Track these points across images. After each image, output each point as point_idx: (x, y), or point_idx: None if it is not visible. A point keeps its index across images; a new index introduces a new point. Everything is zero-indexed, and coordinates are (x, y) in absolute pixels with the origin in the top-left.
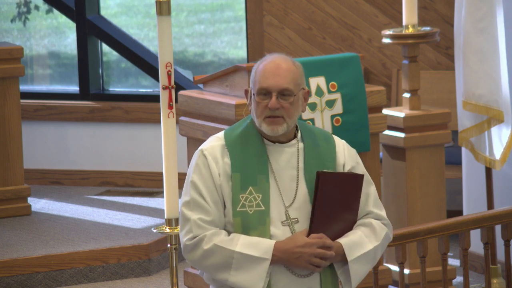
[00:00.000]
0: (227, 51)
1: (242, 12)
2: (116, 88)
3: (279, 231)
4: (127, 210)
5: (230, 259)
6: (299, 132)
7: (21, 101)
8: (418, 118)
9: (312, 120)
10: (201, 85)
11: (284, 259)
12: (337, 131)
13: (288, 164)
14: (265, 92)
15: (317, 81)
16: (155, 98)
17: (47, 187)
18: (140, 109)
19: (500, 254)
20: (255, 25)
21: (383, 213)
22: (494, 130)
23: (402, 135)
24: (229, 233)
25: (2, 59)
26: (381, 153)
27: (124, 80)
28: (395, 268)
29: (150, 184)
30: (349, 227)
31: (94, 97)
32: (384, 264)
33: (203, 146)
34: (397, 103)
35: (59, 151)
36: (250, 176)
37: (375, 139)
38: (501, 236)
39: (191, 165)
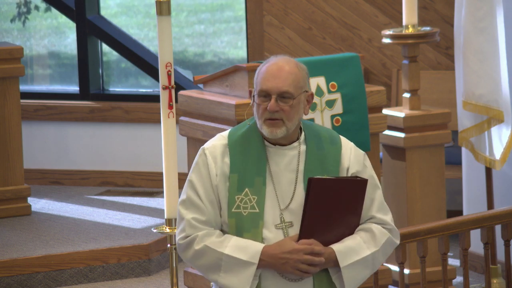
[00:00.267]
0: (227, 51)
1: (242, 12)
2: (116, 88)
3: (271, 235)
4: (127, 210)
5: (219, 261)
6: (303, 134)
7: (21, 101)
8: (418, 118)
9: (312, 120)
10: (201, 85)
11: (271, 264)
12: (337, 131)
13: (287, 167)
14: (265, 94)
15: (317, 81)
16: (155, 98)
17: (47, 187)
18: (140, 109)
19: (500, 254)
20: (255, 25)
21: (387, 218)
22: (494, 130)
23: (402, 135)
24: (225, 233)
25: (2, 59)
26: (381, 153)
27: (124, 80)
28: (395, 268)
29: (150, 184)
30: (351, 231)
31: (94, 97)
32: (384, 264)
33: (206, 144)
34: (397, 103)
35: (59, 151)
36: (248, 177)
37: (375, 139)
38: (501, 236)
39: (193, 163)
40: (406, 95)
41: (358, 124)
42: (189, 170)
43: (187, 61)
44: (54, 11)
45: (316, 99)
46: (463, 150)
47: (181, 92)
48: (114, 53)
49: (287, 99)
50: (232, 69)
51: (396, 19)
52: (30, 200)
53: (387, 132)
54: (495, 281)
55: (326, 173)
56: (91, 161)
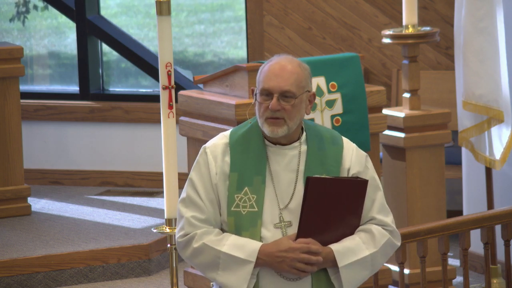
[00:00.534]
0: (227, 51)
1: (242, 12)
2: (116, 88)
3: (270, 234)
4: (127, 210)
5: (217, 259)
6: (304, 133)
7: (21, 101)
8: (418, 118)
9: (312, 120)
10: (201, 85)
11: (268, 262)
12: (337, 131)
13: (287, 167)
14: (267, 93)
15: (317, 81)
16: (155, 98)
17: (47, 187)
18: (140, 109)
19: (500, 254)
20: (255, 25)
21: (388, 219)
22: (494, 130)
23: (402, 135)
24: (224, 232)
25: (2, 59)
26: (381, 153)
27: (124, 80)
28: (395, 268)
29: (150, 184)
30: (351, 232)
31: (94, 97)
32: (384, 264)
33: (207, 143)
34: (397, 103)
35: (59, 151)
36: (247, 176)
37: (375, 139)
38: (501, 236)
39: (194, 162)
40: (406, 95)
41: (358, 124)
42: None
43: (187, 61)
44: (54, 11)
45: (316, 99)
46: (463, 150)
47: (181, 92)
48: (114, 53)
49: (289, 98)
50: (232, 69)
51: (396, 19)
52: (30, 200)
53: (387, 132)
54: (495, 281)
55: (327, 173)
56: (91, 161)
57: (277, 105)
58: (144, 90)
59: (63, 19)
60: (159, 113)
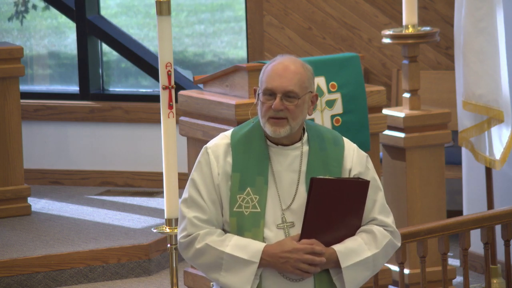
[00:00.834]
0: (227, 51)
1: (242, 12)
2: (116, 88)
3: (272, 234)
4: (127, 210)
5: (220, 259)
6: (306, 134)
7: (21, 101)
8: (418, 118)
9: (312, 120)
10: (201, 85)
11: (271, 263)
12: (337, 131)
13: (289, 167)
14: (270, 93)
15: (317, 81)
16: (155, 98)
17: (47, 187)
18: (140, 109)
19: (500, 254)
20: (255, 25)
21: (389, 220)
22: (494, 130)
23: (402, 135)
24: (226, 233)
25: (2, 59)
26: (381, 153)
27: (124, 80)
28: (395, 268)
29: (150, 184)
30: (352, 233)
31: (94, 97)
32: (384, 264)
33: (209, 143)
34: (397, 103)
35: (59, 151)
36: (250, 177)
37: (375, 139)
38: (501, 236)
39: (196, 162)
40: (406, 95)
41: (358, 124)
42: (189, 170)
43: (187, 61)
44: (54, 11)
45: None
46: (463, 150)
47: (181, 92)
48: (114, 53)
49: (292, 99)
50: (232, 69)
51: (396, 19)
52: (30, 200)
53: (387, 132)
54: (495, 281)
55: (329, 174)
56: (91, 161)
57: (280, 105)
58: (144, 90)
59: (63, 19)
60: (159, 113)
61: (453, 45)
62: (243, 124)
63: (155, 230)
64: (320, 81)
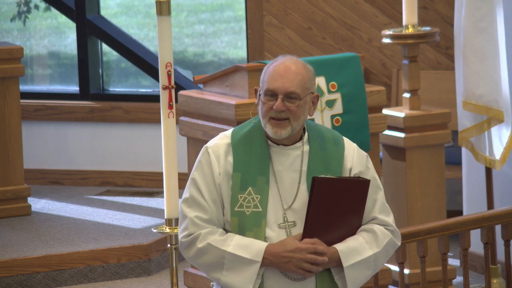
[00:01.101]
0: (227, 51)
1: (242, 12)
2: (116, 88)
3: (274, 234)
4: (127, 210)
5: (222, 259)
6: (306, 134)
7: (21, 101)
8: (418, 118)
9: (312, 120)
10: (201, 85)
11: (274, 262)
12: (337, 131)
13: (291, 167)
14: (271, 94)
15: (317, 81)
16: (155, 98)
17: (47, 187)
18: (140, 109)
19: (500, 254)
20: (255, 25)
21: (389, 219)
22: (494, 130)
23: (402, 135)
24: (227, 232)
25: (2, 59)
26: (381, 153)
27: (124, 80)
28: (395, 268)
29: (150, 184)
30: (353, 232)
31: (94, 97)
32: (384, 264)
33: (209, 143)
34: (397, 103)
35: (59, 151)
36: (251, 176)
37: (375, 139)
38: (501, 236)
39: (196, 161)
40: (406, 95)
41: (358, 124)
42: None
43: (187, 61)
44: (54, 11)
45: None
46: (463, 150)
47: (181, 92)
48: (114, 53)
49: (293, 100)
50: (232, 69)
51: (396, 19)
52: (30, 200)
53: (387, 132)
54: (495, 281)
55: (329, 174)
56: (91, 161)
57: (281, 105)
58: (144, 90)
59: (63, 19)
60: (159, 113)
61: (453, 45)
62: (243, 124)
63: (155, 230)
64: (320, 81)
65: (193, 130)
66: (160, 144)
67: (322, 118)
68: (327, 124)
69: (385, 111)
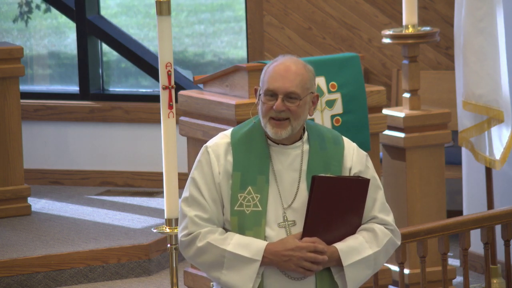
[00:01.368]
0: (227, 51)
1: (242, 12)
2: (116, 88)
3: (274, 233)
4: (127, 210)
5: (222, 258)
6: (306, 133)
7: (21, 101)
8: (418, 118)
9: (312, 120)
10: (201, 85)
11: (274, 261)
12: (337, 131)
13: (290, 166)
14: (271, 94)
15: (317, 81)
16: (155, 98)
17: (47, 187)
18: (140, 109)
19: (500, 254)
20: (255, 25)
21: (389, 218)
22: (494, 130)
23: (402, 135)
24: (227, 231)
25: (2, 59)
26: (381, 153)
27: (124, 80)
28: (395, 268)
29: (150, 184)
30: (352, 231)
31: (94, 97)
32: (384, 264)
33: (208, 142)
34: (397, 103)
35: (59, 151)
36: (251, 176)
37: (375, 139)
38: (501, 236)
39: (195, 161)
40: (406, 95)
41: (358, 124)
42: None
43: (187, 61)
44: (54, 11)
45: None
46: (463, 150)
47: (181, 92)
48: (114, 53)
49: (293, 100)
50: (232, 69)
51: (396, 19)
52: (30, 200)
53: (387, 132)
54: (495, 281)
55: (329, 173)
56: (91, 161)
57: (282, 105)
58: (144, 90)
59: (63, 19)
60: (159, 113)
61: (453, 45)
62: (243, 123)
63: (155, 230)
64: (320, 81)
65: (193, 130)
66: (160, 144)
67: (322, 118)
68: (327, 124)
69: (385, 111)
